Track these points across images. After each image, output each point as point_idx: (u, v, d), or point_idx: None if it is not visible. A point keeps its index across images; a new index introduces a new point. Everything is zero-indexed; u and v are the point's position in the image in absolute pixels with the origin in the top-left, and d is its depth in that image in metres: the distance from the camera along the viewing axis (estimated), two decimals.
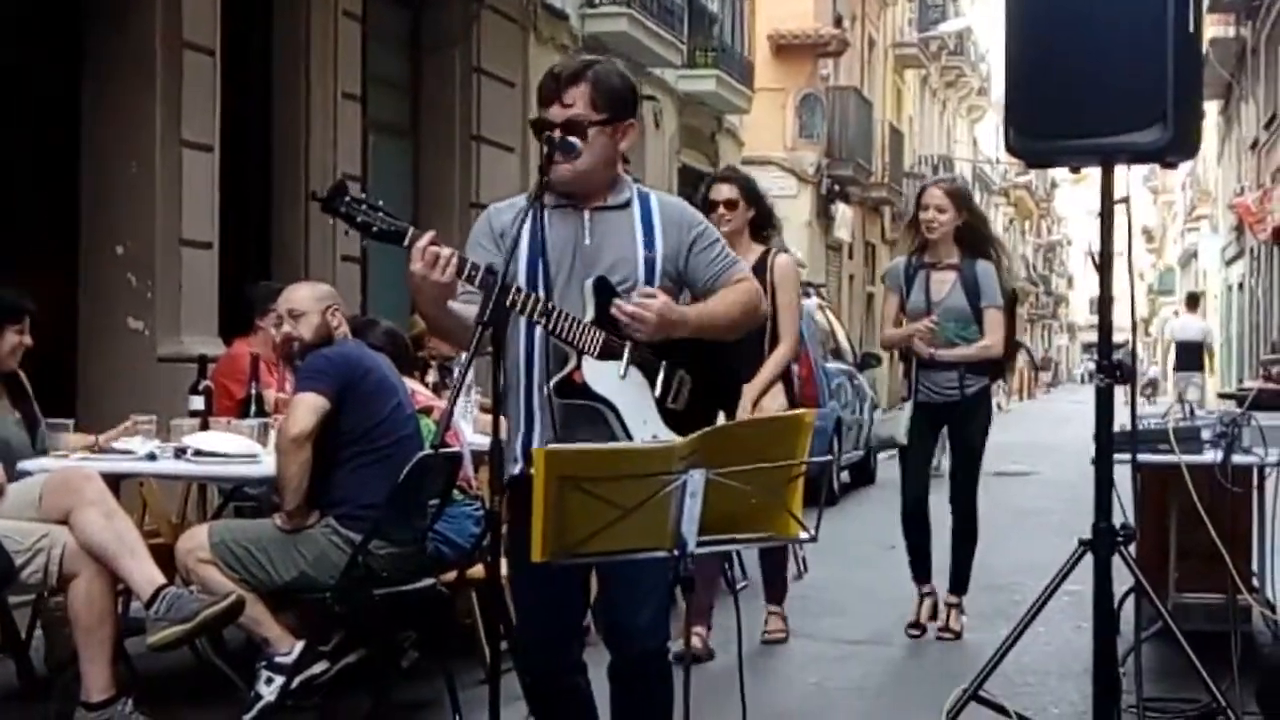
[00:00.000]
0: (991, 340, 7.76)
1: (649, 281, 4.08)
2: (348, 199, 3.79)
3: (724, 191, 7.45)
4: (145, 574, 5.34)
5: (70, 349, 9.47)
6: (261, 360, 7.02)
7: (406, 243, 3.78)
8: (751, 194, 7.54)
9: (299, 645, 5.62)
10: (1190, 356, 22.48)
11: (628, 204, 4.15)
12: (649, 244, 4.11)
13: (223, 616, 5.33)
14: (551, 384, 3.98)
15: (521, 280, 3.98)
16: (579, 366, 3.98)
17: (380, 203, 3.85)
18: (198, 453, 5.99)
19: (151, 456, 6.10)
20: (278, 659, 5.62)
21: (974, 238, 7.86)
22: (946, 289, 7.80)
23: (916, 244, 7.95)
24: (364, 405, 5.71)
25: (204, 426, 6.39)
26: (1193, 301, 26.32)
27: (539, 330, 4.01)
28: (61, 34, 9.68)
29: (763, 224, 7.59)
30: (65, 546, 5.36)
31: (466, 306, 3.94)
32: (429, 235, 3.81)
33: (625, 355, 4.00)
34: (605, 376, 3.99)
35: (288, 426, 5.58)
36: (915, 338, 7.74)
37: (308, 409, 5.57)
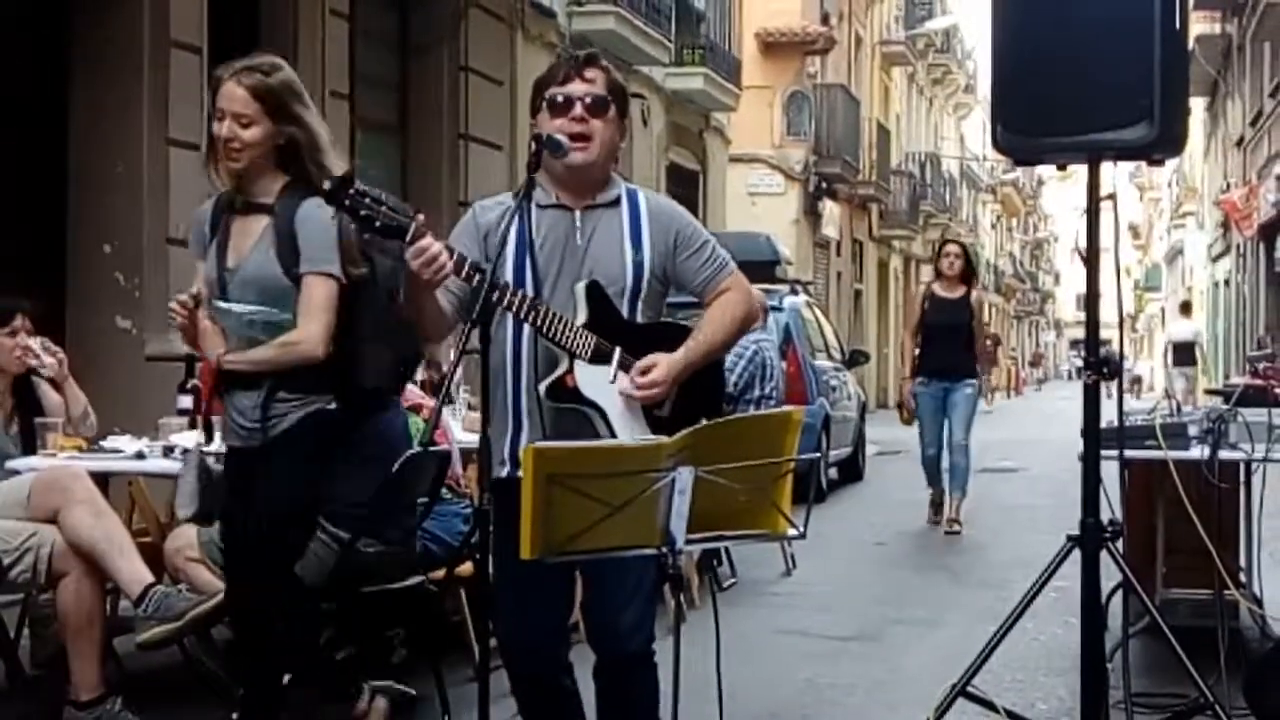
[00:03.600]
0: (302, 334, 4.75)
1: (636, 283, 4.07)
2: (352, 192, 3.74)
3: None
4: (134, 573, 5.34)
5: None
6: None
7: (409, 238, 3.75)
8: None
9: None
10: (1184, 354, 26.93)
11: (617, 202, 4.14)
12: (636, 246, 4.10)
13: (211, 615, 5.32)
14: (544, 386, 3.97)
15: (509, 280, 3.96)
16: (571, 370, 3.97)
17: (384, 195, 3.79)
18: (186, 451, 5.99)
19: (140, 455, 6.10)
20: None
21: (298, 166, 4.90)
22: (249, 247, 4.87)
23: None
24: None
25: (193, 425, 6.38)
26: (1185, 308, 31.23)
27: (527, 331, 3.99)
28: (48, 32, 9.66)
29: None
30: (54, 545, 5.36)
31: (444, 298, 3.94)
32: (429, 238, 3.76)
33: (615, 360, 4.00)
34: (596, 380, 3.98)
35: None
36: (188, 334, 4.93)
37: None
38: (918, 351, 12.40)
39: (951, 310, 12.25)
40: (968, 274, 12.53)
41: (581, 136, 4.03)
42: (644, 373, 3.99)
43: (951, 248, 12.80)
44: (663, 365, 4.00)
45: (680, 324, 4.20)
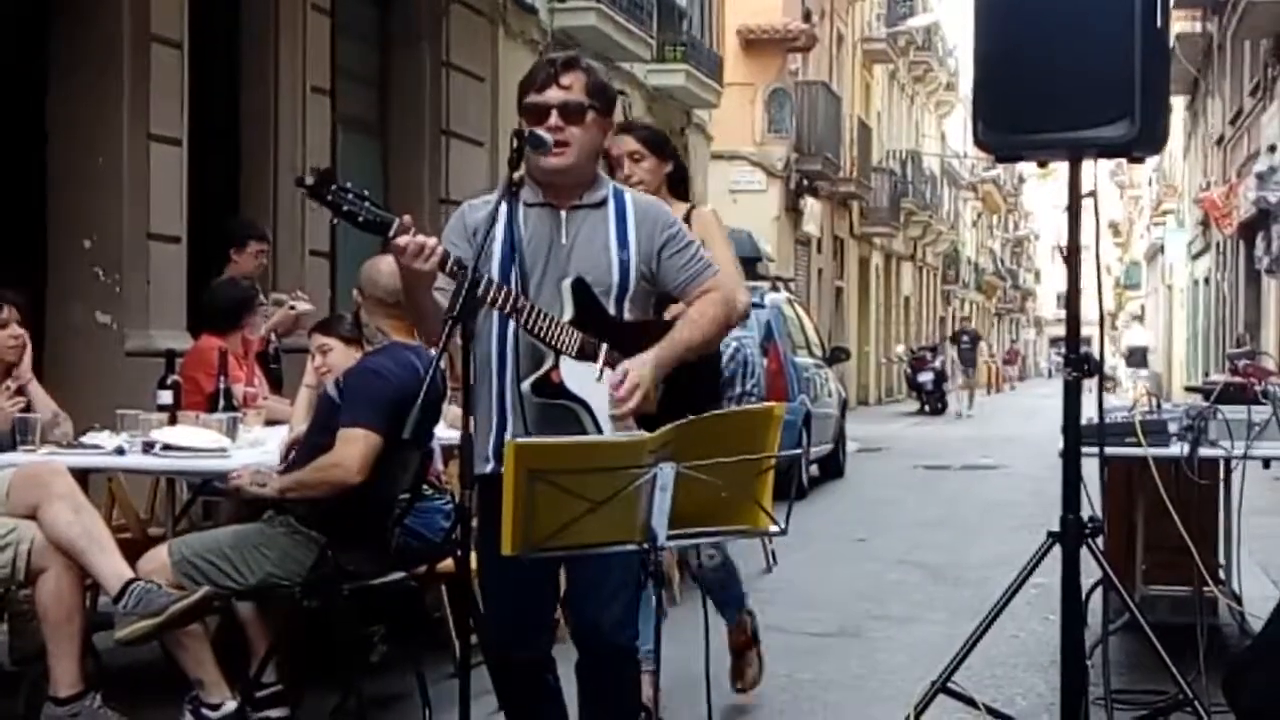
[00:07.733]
0: None
1: (623, 282, 4.06)
2: (334, 187, 3.75)
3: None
4: (113, 568, 5.31)
5: (38, 343, 9.39)
6: (230, 354, 7.00)
7: (392, 233, 3.76)
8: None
9: (231, 703, 5.43)
10: (1138, 357, 34.71)
11: (604, 202, 4.13)
12: (623, 245, 4.09)
13: (192, 611, 5.29)
14: (529, 382, 3.96)
15: (495, 278, 3.96)
16: (557, 366, 3.96)
17: (366, 192, 3.81)
18: (166, 447, 5.97)
19: (120, 451, 6.08)
20: (204, 709, 5.41)
21: None
22: None
23: None
24: (397, 448, 5.43)
25: (172, 421, 6.38)
26: (1139, 319, 41.53)
27: (512, 327, 3.99)
28: (28, 27, 9.63)
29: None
30: (33, 541, 5.33)
31: (440, 297, 3.94)
32: (412, 229, 3.78)
33: (601, 357, 3.99)
34: (582, 377, 3.97)
35: (351, 466, 5.32)
36: None
37: (370, 448, 5.34)
38: None
39: None
40: (679, 186, 5.94)
41: (557, 144, 4.01)
42: (618, 388, 3.90)
43: (625, 142, 5.68)
44: (633, 372, 3.91)
45: (668, 321, 4.17)
